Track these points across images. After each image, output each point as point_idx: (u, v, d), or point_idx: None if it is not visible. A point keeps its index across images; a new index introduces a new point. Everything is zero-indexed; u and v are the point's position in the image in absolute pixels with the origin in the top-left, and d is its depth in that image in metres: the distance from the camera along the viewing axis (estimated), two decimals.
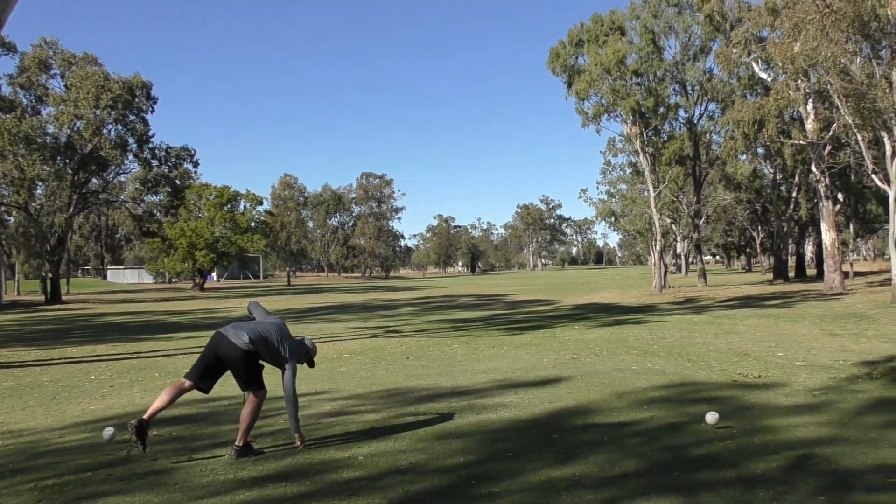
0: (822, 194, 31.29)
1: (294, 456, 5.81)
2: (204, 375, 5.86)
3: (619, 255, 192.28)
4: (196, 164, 60.22)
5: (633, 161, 49.92)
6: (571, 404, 7.83)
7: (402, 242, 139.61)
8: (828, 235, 31.29)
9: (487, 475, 5.16)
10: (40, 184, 48.79)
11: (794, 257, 52.63)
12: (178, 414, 7.68)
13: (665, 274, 41.74)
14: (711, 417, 6.35)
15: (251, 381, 5.83)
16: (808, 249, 64.93)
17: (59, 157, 48.38)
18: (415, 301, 38.43)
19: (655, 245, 43.59)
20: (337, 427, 6.96)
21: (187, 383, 5.83)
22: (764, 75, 33.67)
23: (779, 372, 10.06)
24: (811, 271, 53.20)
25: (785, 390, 8.49)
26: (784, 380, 9.30)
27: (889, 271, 26.55)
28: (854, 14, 22.28)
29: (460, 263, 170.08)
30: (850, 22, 22.46)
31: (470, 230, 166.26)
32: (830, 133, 30.25)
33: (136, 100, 51.04)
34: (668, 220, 53.97)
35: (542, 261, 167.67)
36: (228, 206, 64.93)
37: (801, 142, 32.21)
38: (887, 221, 27.75)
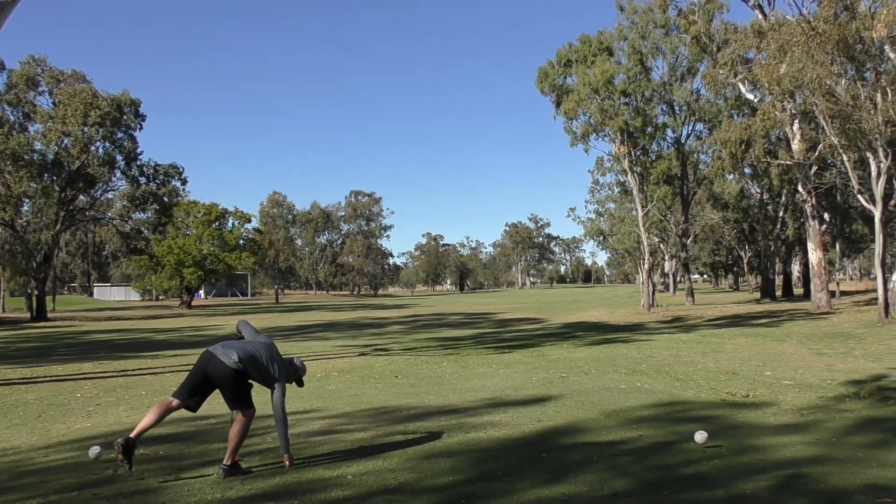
0: (809, 214, 31.53)
1: (282, 475, 5.76)
2: (192, 394, 5.82)
3: (608, 273, 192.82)
4: (184, 182, 60.25)
5: (622, 180, 50.14)
6: (561, 423, 7.82)
7: (391, 260, 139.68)
8: (814, 255, 31.50)
9: (477, 494, 5.14)
10: (27, 201, 48.65)
11: (782, 276, 52.94)
12: (165, 432, 7.62)
13: (653, 293, 41.84)
14: (700, 436, 6.35)
15: (240, 400, 5.79)
16: (795, 269, 65.35)
17: (46, 174, 48.22)
18: (403, 319, 38.36)
19: (644, 264, 43.72)
20: (325, 446, 6.92)
21: (175, 402, 5.78)
22: (750, 96, 33.98)
23: (767, 391, 10.09)
24: (798, 290, 53.51)
25: (773, 409, 8.51)
26: (772, 399, 9.33)
27: (875, 290, 26.71)
28: (839, 37, 22.55)
29: (449, 282, 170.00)
30: (835, 44, 22.74)
31: (459, 248, 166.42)
32: (816, 153, 30.52)
33: (125, 117, 51.01)
34: (657, 239, 54.21)
35: (531, 279, 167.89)
36: (216, 223, 64.72)
37: (788, 162, 32.48)
38: (873, 241, 27.99)
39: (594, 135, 40.03)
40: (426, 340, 23.18)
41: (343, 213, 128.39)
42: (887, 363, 13.54)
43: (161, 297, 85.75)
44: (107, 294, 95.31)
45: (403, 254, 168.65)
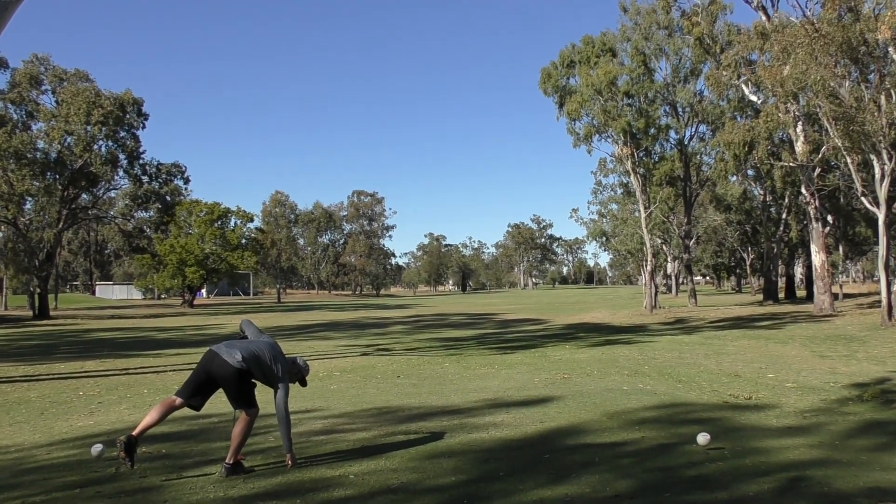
0: (812, 216, 31.48)
1: (284, 474, 5.76)
2: (195, 393, 5.82)
3: (610, 274, 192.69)
4: (187, 181, 60.27)
5: (625, 181, 50.11)
6: (563, 424, 7.81)
7: (393, 261, 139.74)
8: (817, 257, 31.45)
9: (479, 495, 5.13)
10: (30, 199, 48.70)
11: (784, 279, 52.85)
12: (167, 431, 7.62)
13: (656, 294, 41.80)
14: (703, 438, 6.34)
15: (243, 399, 5.80)
16: (798, 271, 65.22)
17: (49, 173, 48.27)
18: (406, 319, 38.36)
19: (646, 265, 43.72)
20: (328, 445, 6.92)
21: (178, 400, 5.79)
22: (754, 98, 33.95)
23: (769, 393, 10.07)
24: (801, 293, 53.44)
25: (776, 412, 8.49)
26: (775, 401, 9.31)
27: (878, 293, 26.68)
28: (843, 38, 22.53)
29: (451, 282, 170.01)
30: (838, 46, 22.71)
31: (461, 249, 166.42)
32: (820, 156, 30.50)
33: (128, 116, 51.05)
34: (659, 241, 54.15)
35: (533, 280, 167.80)
36: (219, 222, 64.87)
37: (791, 164, 32.45)
38: (876, 243, 27.95)
39: (597, 136, 40.05)
40: (428, 341, 23.18)
41: (345, 213, 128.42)
42: (890, 366, 13.51)
43: (163, 296, 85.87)
44: (109, 293, 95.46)
45: (406, 254, 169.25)
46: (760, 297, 50.92)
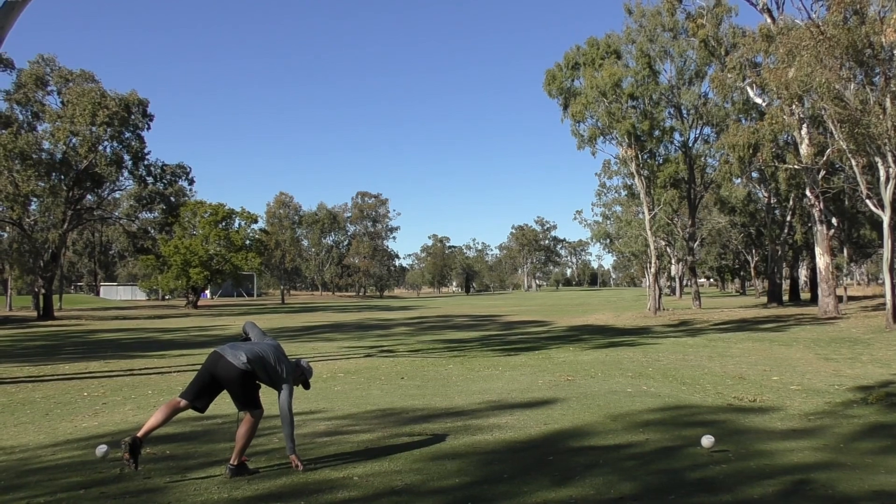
0: (817, 219, 31.41)
1: (289, 475, 5.77)
2: (200, 394, 5.83)
3: (614, 276, 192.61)
4: (191, 182, 60.30)
5: (629, 183, 50.09)
6: (567, 426, 7.81)
7: (397, 262, 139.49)
8: (822, 259, 31.38)
9: (483, 497, 5.13)
10: (35, 200, 48.82)
11: (789, 281, 52.80)
12: (171, 432, 7.64)
13: (660, 296, 41.76)
14: (707, 441, 6.33)
15: (247, 400, 5.80)
16: (803, 273, 65.05)
17: (54, 174, 48.37)
18: (409, 321, 38.37)
19: (650, 267, 43.67)
20: (332, 447, 6.93)
21: (182, 402, 5.79)
22: (759, 100, 33.88)
23: (774, 396, 10.05)
24: (805, 295, 53.33)
25: (780, 414, 8.48)
26: (779, 404, 9.30)
27: (883, 296, 26.61)
28: (848, 41, 22.48)
29: (455, 284, 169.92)
30: (844, 49, 22.66)
31: (465, 250, 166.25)
32: (825, 158, 30.42)
33: (132, 117, 51.13)
34: (663, 243, 54.09)
35: (537, 282, 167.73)
36: (223, 223, 64.96)
37: (796, 166, 32.39)
38: (881, 246, 27.86)
39: (601, 138, 40.00)
40: (432, 342, 23.18)
41: (349, 215, 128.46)
42: (895, 369, 13.48)
43: (167, 297, 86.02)
44: (113, 293, 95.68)
45: (409, 255, 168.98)
46: (765, 299, 50.82)
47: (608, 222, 65.30)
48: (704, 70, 42.19)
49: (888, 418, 8.19)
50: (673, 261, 65.33)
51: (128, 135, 51.72)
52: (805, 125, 30.65)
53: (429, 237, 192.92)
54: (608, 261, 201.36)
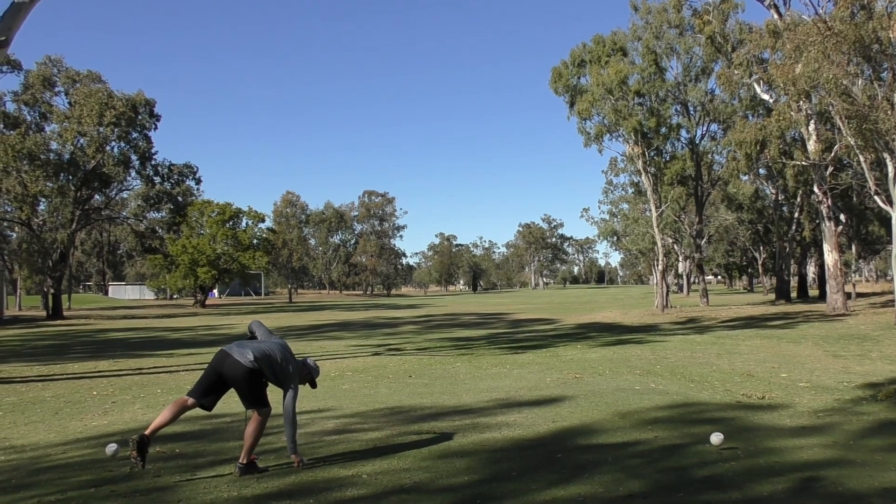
0: (825, 215, 31.31)
1: (297, 474, 5.79)
2: (207, 393, 5.84)
3: (621, 274, 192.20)
4: (198, 181, 60.48)
5: (636, 181, 49.99)
6: (575, 424, 7.81)
7: (404, 260, 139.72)
8: (830, 256, 31.28)
9: (492, 494, 5.14)
10: (43, 200, 48.98)
11: (797, 278, 52.62)
12: (180, 430, 7.66)
13: (667, 294, 41.67)
14: (716, 438, 6.32)
15: (255, 399, 5.82)
16: (811, 270, 64.91)
17: (62, 174, 48.50)
18: (417, 319, 38.38)
19: (657, 265, 43.59)
20: (340, 445, 6.94)
21: (190, 401, 5.81)
22: (766, 96, 33.80)
23: (782, 393, 10.03)
24: (813, 292, 53.17)
25: (789, 411, 8.46)
26: (788, 401, 9.27)
27: (892, 292, 26.52)
28: (855, 37, 22.40)
29: (462, 282, 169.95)
30: (851, 44, 22.59)
31: (471, 248, 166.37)
32: (832, 154, 30.33)
33: (140, 117, 51.23)
34: (671, 240, 54.00)
35: (544, 280, 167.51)
36: (230, 223, 65.08)
37: (803, 163, 32.30)
38: (889, 242, 27.80)
39: (608, 135, 39.92)
40: (439, 340, 23.19)
41: (356, 213, 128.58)
42: None
43: (175, 296, 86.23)
44: (121, 293, 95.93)
45: (416, 254, 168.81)
46: (772, 296, 50.69)
47: (615, 220, 65.21)
48: (711, 67, 42.08)
49: None
50: (680, 258, 65.12)
51: (135, 135, 51.83)
52: (812, 121, 30.55)
53: (436, 235, 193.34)
54: (615, 258, 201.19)
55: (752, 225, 57.58)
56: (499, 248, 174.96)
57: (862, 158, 25.54)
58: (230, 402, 6.72)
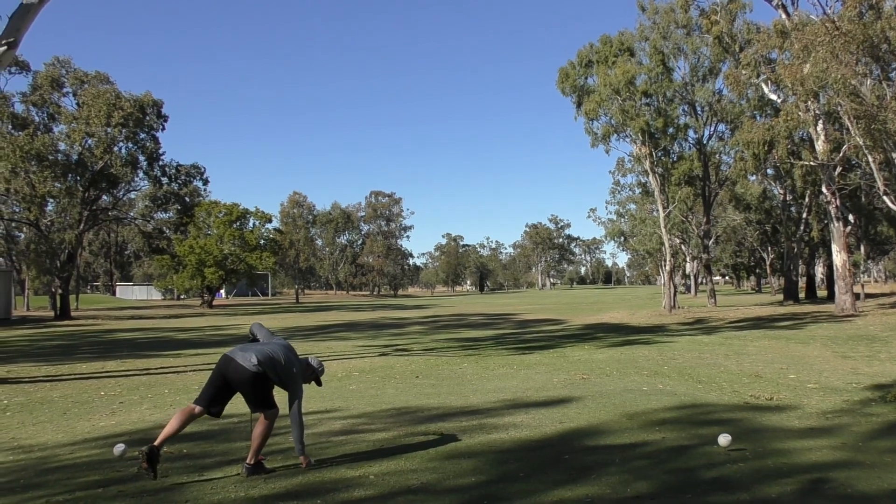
0: (833, 215, 31.18)
1: (305, 474, 5.79)
2: (214, 400, 5.83)
3: (628, 274, 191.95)
4: (206, 182, 60.50)
5: (643, 181, 49.86)
6: (582, 425, 7.80)
7: (411, 261, 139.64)
8: (839, 257, 31.15)
9: (499, 495, 5.13)
10: (51, 200, 49.16)
11: (805, 278, 52.42)
12: (188, 431, 7.62)
13: (674, 294, 41.58)
14: (724, 439, 6.30)
15: (261, 401, 5.82)
16: (819, 270, 64.71)
17: (70, 175, 48.67)
18: (423, 320, 38.38)
19: (665, 265, 43.49)
20: (347, 445, 6.94)
21: (197, 409, 5.79)
22: (773, 97, 33.69)
23: (791, 394, 9.99)
24: (822, 292, 52.98)
25: (797, 413, 8.42)
26: (796, 402, 9.24)
27: None
28: (864, 36, 22.33)
29: (469, 282, 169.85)
30: (859, 44, 22.51)
31: (478, 249, 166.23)
32: (841, 154, 30.21)
33: (147, 118, 51.34)
34: (678, 241, 53.86)
35: (551, 280, 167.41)
36: (237, 223, 65.20)
37: (812, 163, 32.18)
38: None
39: (615, 135, 39.83)
40: (446, 341, 23.19)
41: (363, 214, 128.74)
42: None
43: (182, 297, 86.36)
44: (129, 293, 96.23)
45: (423, 254, 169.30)
46: (781, 297, 50.52)
47: (622, 220, 65.00)
48: (718, 67, 42.03)
49: None
50: (688, 258, 65.00)
51: (143, 136, 51.96)
52: (821, 121, 30.44)
53: (442, 236, 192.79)
54: (622, 259, 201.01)
55: (760, 225, 57.37)
56: (506, 248, 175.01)
57: (871, 158, 25.45)
58: (237, 403, 6.72)
